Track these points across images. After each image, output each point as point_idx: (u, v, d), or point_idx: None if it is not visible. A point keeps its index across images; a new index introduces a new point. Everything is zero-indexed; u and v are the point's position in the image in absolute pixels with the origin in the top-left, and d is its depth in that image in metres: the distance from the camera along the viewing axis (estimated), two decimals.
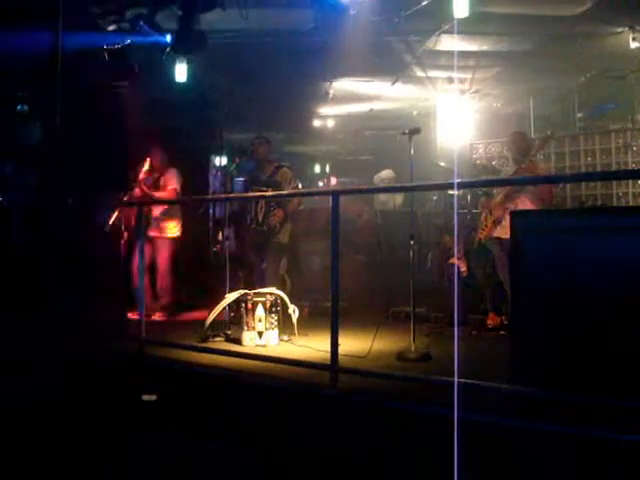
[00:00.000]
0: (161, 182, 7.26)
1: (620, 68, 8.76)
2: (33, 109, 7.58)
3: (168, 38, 6.82)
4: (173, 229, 7.32)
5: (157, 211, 7.20)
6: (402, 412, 3.78)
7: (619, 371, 3.33)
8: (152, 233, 7.12)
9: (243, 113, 9.61)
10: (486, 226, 6.26)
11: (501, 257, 6.02)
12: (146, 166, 7.15)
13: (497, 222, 6.10)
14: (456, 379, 3.44)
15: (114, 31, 6.70)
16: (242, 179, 7.55)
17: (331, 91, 9.82)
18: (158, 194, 7.17)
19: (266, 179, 6.76)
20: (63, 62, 5.89)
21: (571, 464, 3.15)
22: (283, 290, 6.03)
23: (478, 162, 9.82)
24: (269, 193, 6.45)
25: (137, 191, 7.09)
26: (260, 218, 6.68)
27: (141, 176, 7.11)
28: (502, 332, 5.92)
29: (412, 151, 5.20)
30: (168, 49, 7.09)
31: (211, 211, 9.20)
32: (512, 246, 4.03)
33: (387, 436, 3.70)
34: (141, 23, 6.57)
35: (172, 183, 7.24)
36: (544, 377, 3.55)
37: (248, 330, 5.67)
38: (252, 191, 6.69)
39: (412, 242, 5.20)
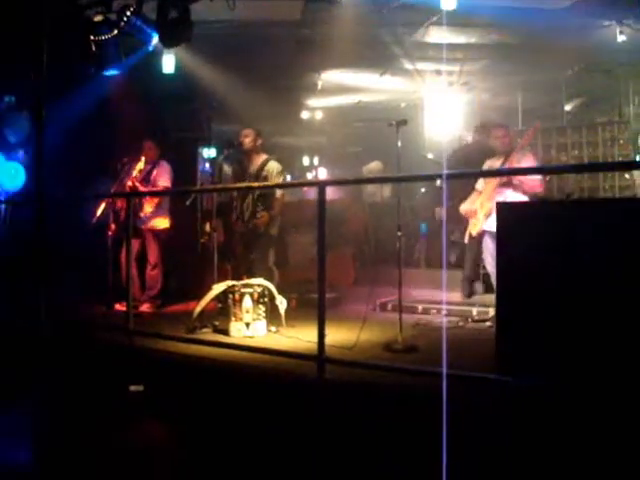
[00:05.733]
0: (152, 175, 7.21)
1: (607, 61, 8.80)
2: (20, 102, 7.53)
3: (155, 29, 6.76)
4: (162, 221, 7.29)
5: (146, 204, 7.15)
6: (388, 403, 3.81)
7: (606, 360, 3.38)
8: (141, 225, 7.09)
9: (231, 104, 9.57)
10: (477, 219, 6.27)
11: (490, 250, 6.04)
12: (141, 164, 7.09)
13: (488, 215, 6.11)
14: (445, 370, 3.46)
15: (101, 22, 6.64)
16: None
17: (319, 83, 9.80)
18: (148, 190, 7.14)
19: (254, 172, 6.73)
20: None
21: None
22: (271, 281, 6.04)
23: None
24: (255, 185, 6.46)
25: (128, 185, 7.03)
26: (246, 217, 6.69)
27: (134, 173, 7.05)
28: (488, 323, 5.96)
29: (399, 143, 5.22)
30: (155, 40, 7.04)
31: (199, 202, 9.18)
32: (499, 237, 4.06)
33: (373, 426, 3.73)
34: (128, 14, 6.52)
35: (163, 180, 7.19)
36: (530, 367, 3.58)
37: (236, 321, 5.67)
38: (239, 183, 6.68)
39: (399, 233, 5.22)
